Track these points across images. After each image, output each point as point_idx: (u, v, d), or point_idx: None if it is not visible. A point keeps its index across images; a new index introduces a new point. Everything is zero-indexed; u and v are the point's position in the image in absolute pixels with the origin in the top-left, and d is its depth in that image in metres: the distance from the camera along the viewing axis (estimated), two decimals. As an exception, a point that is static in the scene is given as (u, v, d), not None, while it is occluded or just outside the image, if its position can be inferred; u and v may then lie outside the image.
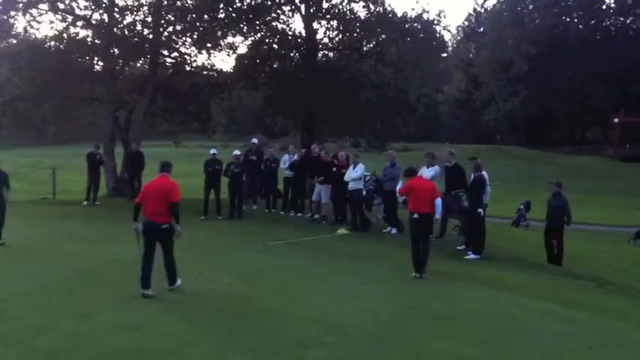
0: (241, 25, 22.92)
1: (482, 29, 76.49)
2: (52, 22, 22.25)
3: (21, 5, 21.23)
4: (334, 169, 15.90)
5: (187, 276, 9.38)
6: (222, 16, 22.19)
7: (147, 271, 8.60)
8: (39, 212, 18.01)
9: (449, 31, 69.05)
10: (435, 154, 14.67)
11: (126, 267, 10.07)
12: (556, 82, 58.47)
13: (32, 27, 22.30)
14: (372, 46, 25.35)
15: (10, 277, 9.71)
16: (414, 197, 10.57)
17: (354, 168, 15.16)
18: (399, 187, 13.35)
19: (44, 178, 25.35)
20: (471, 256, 12.61)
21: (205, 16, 21.49)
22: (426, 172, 14.34)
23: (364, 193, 15.53)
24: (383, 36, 24.85)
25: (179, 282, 8.98)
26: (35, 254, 11.57)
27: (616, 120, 60.36)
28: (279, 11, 23.85)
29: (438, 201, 10.56)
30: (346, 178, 15.26)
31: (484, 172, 12.94)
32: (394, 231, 14.64)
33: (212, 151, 17.49)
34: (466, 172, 13.67)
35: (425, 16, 25.15)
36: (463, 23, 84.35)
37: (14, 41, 24.34)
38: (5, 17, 21.63)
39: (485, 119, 64.57)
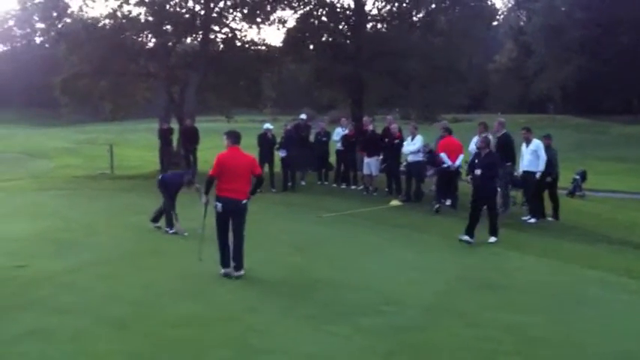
0: (290, -1, 23.02)
1: (534, -5, 74.31)
2: (106, 0, 22.74)
3: (76, -16, 21.78)
4: (386, 139, 16.04)
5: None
6: (271, -11, 22.32)
7: (227, 250, 8.40)
8: (100, 187, 18.66)
9: (501, -2, 67.54)
10: (487, 125, 14.60)
11: (186, 238, 10.47)
12: (610, 49, 56.45)
13: (87, 6, 22.92)
14: (421, 15, 25.02)
15: (78, 249, 10.13)
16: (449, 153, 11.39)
17: (412, 140, 15.20)
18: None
19: (101, 154, 26.11)
20: (529, 219, 12.94)
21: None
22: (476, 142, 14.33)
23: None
24: (433, 5, 24.49)
25: (243, 272, 8.40)
26: (99, 227, 12.04)
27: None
28: (327, -17, 23.74)
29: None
30: (404, 150, 15.36)
31: (535, 139, 12.99)
32: (448, 202, 14.67)
33: (266, 125, 17.75)
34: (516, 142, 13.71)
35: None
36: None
37: (69, 20, 24.94)
38: (62, -4, 22.22)
39: (538, 88, 62.99)
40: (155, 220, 11.77)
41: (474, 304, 7.42)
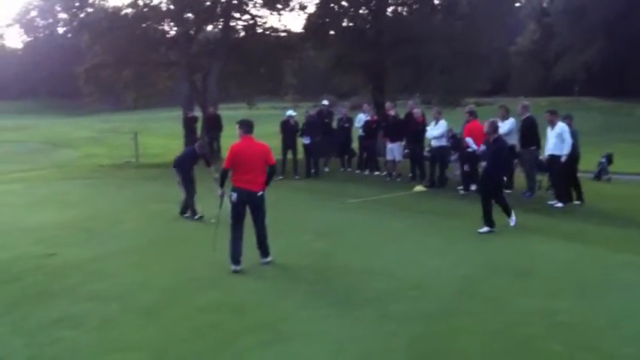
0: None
1: (556, -24, 73.11)
2: (127, -12, 22.86)
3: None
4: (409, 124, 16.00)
5: (269, 234, 9.69)
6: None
7: (239, 246, 8.17)
8: (125, 175, 18.86)
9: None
10: (507, 108, 14.49)
11: (212, 226, 10.53)
12: (635, 30, 55.39)
13: (108, -6, 23.06)
14: (442, -1, 24.83)
15: (105, 237, 10.30)
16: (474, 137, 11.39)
17: (435, 124, 15.10)
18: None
19: (125, 143, 26.33)
20: (556, 203, 12.82)
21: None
22: (501, 127, 14.18)
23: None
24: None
25: (270, 257, 8.46)
26: (126, 216, 12.21)
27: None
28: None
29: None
30: (428, 135, 15.27)
31: (560, 122, 12.83)
32: (474, 187, 14.57)
33: (288, 112, 17.77)
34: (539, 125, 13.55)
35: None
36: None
37: (90, 10, 25.08)
38: (83, -14, 22.36)
39: (560, 71, 62.07)
40: (183, 212, 11.92)
41: (502, 290, 7.36)
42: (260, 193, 8.23)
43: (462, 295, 7.20)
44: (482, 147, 13.18)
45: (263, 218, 8.37)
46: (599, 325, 6.22)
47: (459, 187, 14.64)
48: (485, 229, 10.40)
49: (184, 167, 11.83)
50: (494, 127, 10.63)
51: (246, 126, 8.36)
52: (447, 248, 9.52)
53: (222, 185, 8.45)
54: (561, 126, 12.80)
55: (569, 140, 12.65)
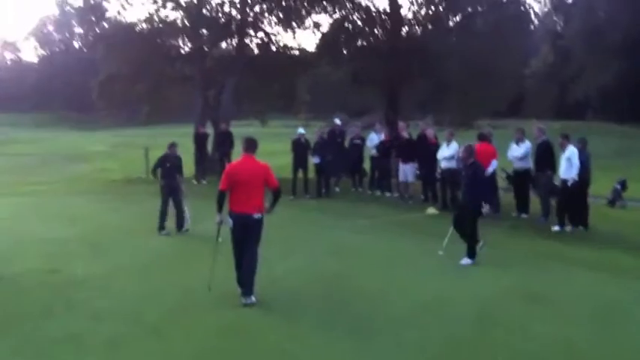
0: (325, 3, 22.97)
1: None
2: (142, 3, 23.00)
3: (115, -12, 22.07)
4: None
5: (278, 254, 9.55)
6: (306, -7, 22.34)
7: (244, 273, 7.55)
8: (135, 190, 18.76)
9: (538, 2, 66.74)
10: (524, 131, 14.31)
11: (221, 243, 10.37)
12: (653, 53, 55.11)
13: (125, 9, 23.19)
14: (458, 19, 24.73)
15: (113, 253, 10.23)
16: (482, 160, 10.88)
17: (447, 146, 14.93)
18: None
19: (137, 157, 26.27)
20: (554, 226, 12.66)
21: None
22: (516, 150, 14.02)
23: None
24: (469, 9, 24.20)
25: (254, 299, 7.40)
26: (134, 231, 12.11)
27: None
28: (363, -13, 23.62)
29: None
30: (439, 156, 15.07)
31: (571, 146, 12.67)
32: (486, 208, 14.32)
33: (299, 130, 17.63)
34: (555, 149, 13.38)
35: (513, -13, 24.36)
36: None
37: (106, 25, 25.29)
38: (100, 0, 22.51)
39: (575, 94, 61.80)
40: (180, 226, 12.01)
41: (518, 316, 7.18)
42: (257, 217, 7.52)
43: (478, 322, 7.02)
44: (491, 169, 13.00)
45: (255, 245, 7.60)
46: (617, 357, 6.00)
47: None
48: (466, 261, 9.79)
49: (173, 177, 12.28)
50: (470, 152, 10.14)
51: (247, 143, 7.75)
52: (462, 272, 9.33)
53: (219, 210, 7.65)
54: (570, 149, 12.66)
55: (576, 164, 12.48)
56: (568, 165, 12.61)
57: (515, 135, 14.21)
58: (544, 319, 7.11)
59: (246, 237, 7.53)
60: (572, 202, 12.87)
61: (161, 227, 11.97)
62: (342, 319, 7.00)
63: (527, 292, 8.26)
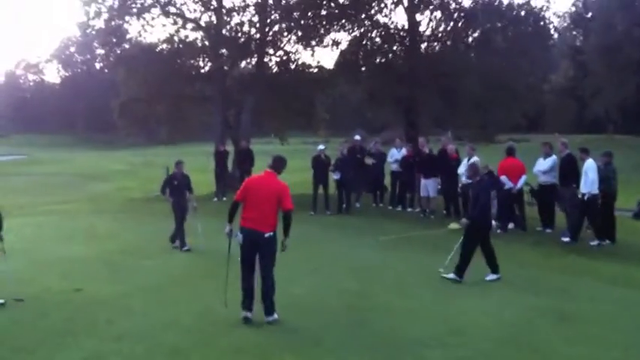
0: (344, 21, 23.03)
1: (590, 14, 72.66)
2: (164, 25, 23.23)
3: (135, 10, 22.27)
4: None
5: (299, 272, 9.47)
6: (324, 13, 22.37)
7: (248, 293, 7.42)
8: (155, 209, 18.74)
9: (558, 16, 66.51)
10: (552, 145, 14.13)
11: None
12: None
13: (145, 31, 23.40)
14: (476, 35, 24.62)
15: (132, 272, 10.15)
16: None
17: (468, 161, 14.77)
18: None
19: (157, 176, 26.35)
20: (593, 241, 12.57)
21: (309, 14, 21.71)
22: (543, 164, 13.85)
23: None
24: (488, 25, 24.09)
25: (276, 315, 7.41)
26: (154, 250, 12.09)
27: None
28: (381, 4, 23.63)
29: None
30: (459, 171, 14.92)
31: (589, 159, 12.56)
32: (511, 225, 14.13)
33: (320, 147, 17.61)
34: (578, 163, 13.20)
35: (533, 2, 24.21)
36: (570, 8, 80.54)
37: (127, 46, 25.51)
38: (121, 22, 22.74)
39: (595, 109, 61.21)
40: (178, 243, 12.22)
41: (546, 336, 6.96)
42: (268, 235, 7.30)
43: (504, 343, 6.80)
44: (520, 184, 12.90)
45: (270, 266, 7.39)
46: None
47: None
48: (493, 276, 9.67)
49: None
50: (474, 170, 10.01)
51: (274, 161, 7.65)
52: (487, 290, 9.12)
53: (230, 220, 7.52)
54: (587, 163, 12.51)
55: (592, 177, 12.36)
56: (585, 179, 12.47)
57: (543, 149, 14.07)
58: (573, 339, 6.87)
59: (257, 257, 7.35)
60: (594, 216, 12.65)
61: (182, 244, 12.09)
62: (363, 340, 6.85)
63: (554, 311, 8.02)
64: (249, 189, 7.45)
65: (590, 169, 12.43)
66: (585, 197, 12.41)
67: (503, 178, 13.71)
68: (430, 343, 6.70)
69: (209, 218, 12.63)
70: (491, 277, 9.62)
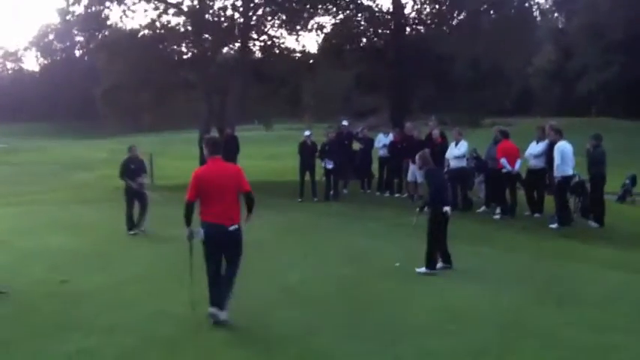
0: (328, 4, 22.82)
1: (573, -4, 72.87)
2: (145, 10, 22.84)
3: (116, -5, 21.90)
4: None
5: (291, 261, 9.43)
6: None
7: (216, 291, 6.75)
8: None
9: (540, -1, 66.65)
10: (544, 129, 14.03)
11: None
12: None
13: (126, 16, 23.00)
14: (462, 18, 24.53)
15: (120, 263, 9.99)
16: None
17: (456, 145, 14.68)
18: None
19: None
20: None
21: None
22: (535, 147, 13.77)
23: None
24: (473, 7, 24.00)
25: (226, 316, 6.68)
26: (141, 240, 11.95)
27: None
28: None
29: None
30: (448, 155, 14.82)
31: (563, 141, 12.54)
32: (498, 210, 14.09)
33: (306, 132, 17.47)
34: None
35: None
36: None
37: (107, 33, 25.07)
38: (101, 8, 22.31)
39: (579, 91, 61.46)
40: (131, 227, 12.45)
41: (547, 321, 6.86)
42: (233, 228, 6.61)
43: (506, 329, 6.69)
44: (517, 167, 12.79)
45: (237, 260, 6.77)
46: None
47: (479, 210, 14.47)
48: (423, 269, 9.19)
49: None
50: (425, 159, 9.74)
51: (212, 145, 6.87)
52: (482, 275, 9.03)
53: (187, 224, 6.65)
54: (558, 144, 12.45)
55: (557, 160, 12.29)
56: (558, 159, 12.39)
57: (536, 133, 13.97)
58: (575, 324, 6.77)
59: (223, 253, 6.73)
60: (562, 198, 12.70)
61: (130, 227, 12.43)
62: (363, 328, 6.72)
63: (552, 294, 7.95)
64: (203, 183, 6.62)
65: (556, 149, 12.33)
66: (555, 180, 12.37)
67: (502, 160, 13.59)
68: (429, 331, 6.59)
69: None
70: (422, 270, 9.16)
